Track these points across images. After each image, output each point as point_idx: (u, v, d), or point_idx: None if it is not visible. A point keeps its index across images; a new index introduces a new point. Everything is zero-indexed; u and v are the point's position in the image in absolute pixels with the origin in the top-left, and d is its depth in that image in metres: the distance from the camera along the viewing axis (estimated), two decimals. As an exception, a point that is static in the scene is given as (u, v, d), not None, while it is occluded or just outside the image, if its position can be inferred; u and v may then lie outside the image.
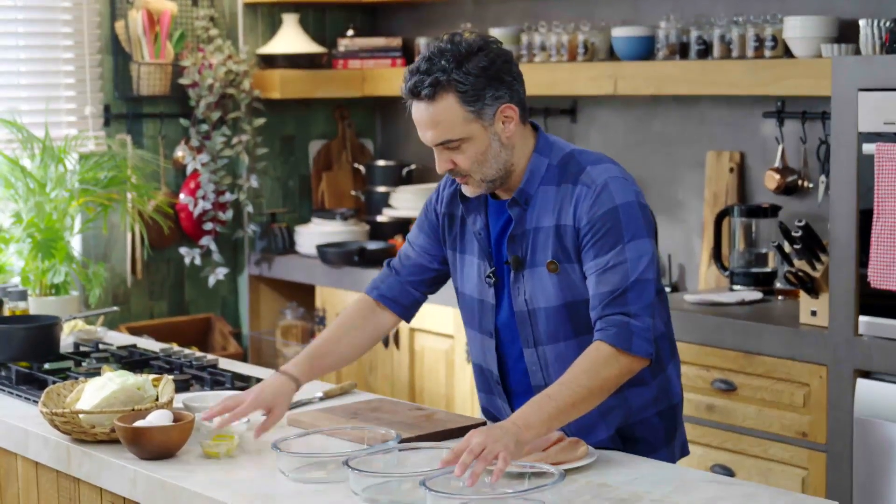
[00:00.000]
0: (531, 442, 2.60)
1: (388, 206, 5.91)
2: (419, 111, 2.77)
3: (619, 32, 4.98)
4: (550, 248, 2.81)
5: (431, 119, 2.75)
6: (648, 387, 2.90)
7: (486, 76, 2.75)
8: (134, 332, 5.44)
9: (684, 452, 3.04)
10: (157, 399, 2.97)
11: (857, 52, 4.21)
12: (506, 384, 2.95)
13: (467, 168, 2.79)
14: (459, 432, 2.89)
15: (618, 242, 2.73)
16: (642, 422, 2.91)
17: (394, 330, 3.12)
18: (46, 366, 3.58)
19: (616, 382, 2.71)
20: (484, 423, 2.95)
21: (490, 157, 2.79)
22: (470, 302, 2.97)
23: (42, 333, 3.70)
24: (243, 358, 5.89)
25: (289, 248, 5.90)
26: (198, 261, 5.79)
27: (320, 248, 5.61)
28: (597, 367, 2.67)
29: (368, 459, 2.61)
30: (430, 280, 3.08)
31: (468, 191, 2.86)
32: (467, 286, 2.97)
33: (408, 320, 3.14)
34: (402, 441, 2.76)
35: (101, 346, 3.88)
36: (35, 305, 4.42)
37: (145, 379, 3.00)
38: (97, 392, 2.92)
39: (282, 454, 2.64)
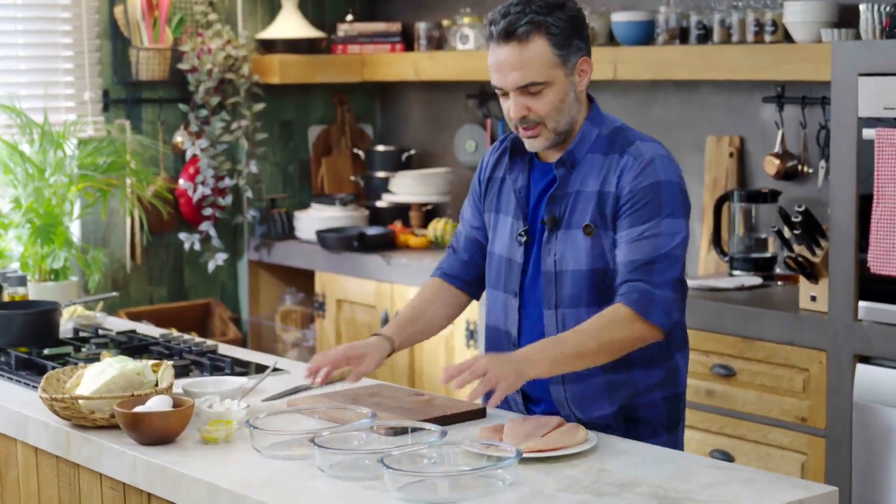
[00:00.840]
0: (531, 378, 2.70)
1: (388, 191, 5.90)
2: (507, 53, 2.81)
3: (618, 17, 4.97)
4: (589, 212, 2.86)
5: (521, 59, 2.80)
6: (657, 369, 2.92)
7: (572, 25, 2.84)
8: (133, 317, 5.44)
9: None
10: (156, 384, 2.97)
11: (858, 36, 4.21)
12: (521, 346, 2.96)
13: (544, 114, 2.83)
14: (459, 417, 2.90)
15: (655, 216, 2.80)
16: (647, 403, 2.92)
17: (468, 306, 3.21)
18: (46, 351, 3.58)
19: (626, 346, 2.78)
20: (483, 409, 2.95)
21: (566, 106, 2.85)
22: (498, 262, 3.01)
23: (41, 319, 3.70)
24: (243, 343, 5.89)
25: (288, 233, 5.90)
26: (197, 246, 5.79)
27: (320, 233, 5.61)
28: (612, 325, 2.75)
29: (343, 437, 2.65)
30: (483, 251, 3.10)
31: (534, 144, 2.89)
32: (497, 245, 3.01)
33: (476, 297, 3.18)
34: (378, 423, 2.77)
35: (100, 332, 3.88)
36: (34, 291, 4.42)
37: (145, 364, 3.00)
38: (97, 377, 2.92)
39: (255, 431, 2.68)
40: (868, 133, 3.75)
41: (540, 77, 2.81)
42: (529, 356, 2.70)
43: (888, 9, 4.06)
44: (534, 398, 2.98)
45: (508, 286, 2.97)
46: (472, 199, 3.12)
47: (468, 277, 3.14)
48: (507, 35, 2.80)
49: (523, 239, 2.94)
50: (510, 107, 2.85)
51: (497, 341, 3.02)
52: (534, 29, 2.79)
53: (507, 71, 2.82)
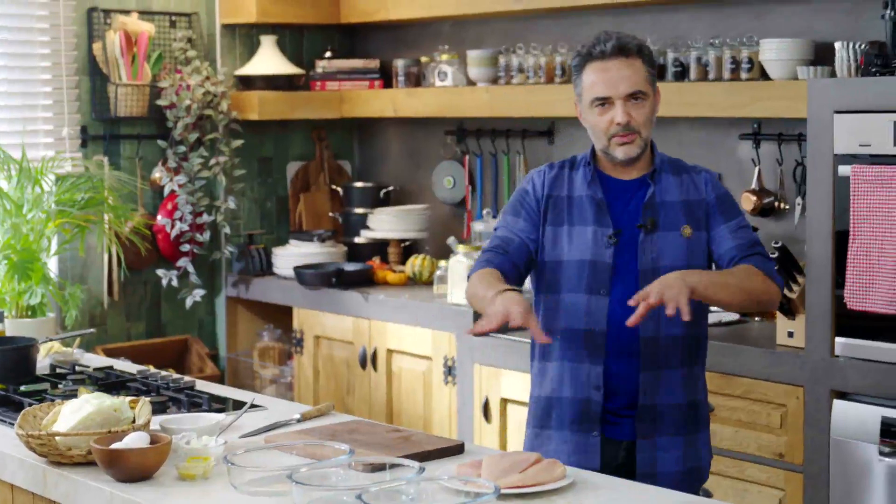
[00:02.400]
0: (692, 285, 3.02)
1: (366, 227, 5.91)
2: (617, 65, 3.21)
3: (596, 54, 4.99)
4: (682, 217, 3.25)
5: (631, 71, 3.20)
6: (703, 371, 3.33)
7: (652, 57, 3.29)
8: (111, 353, 5.42)
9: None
10: (133, 421, 2.96)
11: (833, 74, 4.24)
12: (607, 342, 3.22)
13: (641, 122, 3.21)
14: (437, 454, 2.90)
15: (739, 214, 3.31)
16: (703, 400, 3.31)
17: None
18: (22, 388, 3.56)
19: (758, 296, 3.19)
20: (462, 445, 2.96)
21: (652, 123, 3.26)
22: (579, 266, 3.26)
23: (18, 355, 3.69)
24: (220, 380, 5.87)
25: (266, 269, 5.89)
26: (175, 282, 5.78)
27: (298, 269, 5.61)
28: (751, 275, 3.18)
29: (321, 474, 2.65)
30: (529, 261, 3.32)
31: (629, 150, 3.23)
32: (575, 252, 3.27)
33: None
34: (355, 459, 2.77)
35: (77, 368, 3.86)
36: (11, 327, 4.40)
37: (122, 401, 2.99)
38: (74, 414, 2.91)
39: (233, 467, 2.68)
40: (844, 170, 3.77)
41: (644, 87, 3.21)
42: (692, 271, 3.11)
43: (863, 47, 4.09)
44: (614, 392, 3.22)
45: (595, 286, 3.23)
46: (525, 213, 3.33)
47: (512, 278, 3.29)
48: (619, 50, 3.21)
49: (613, 241, 3.22)
50: (615, 114, 3.19)
51: (577, 341, 3.24)
52: (636, 49, 3.22)
53: (618, 81, 3.20)
